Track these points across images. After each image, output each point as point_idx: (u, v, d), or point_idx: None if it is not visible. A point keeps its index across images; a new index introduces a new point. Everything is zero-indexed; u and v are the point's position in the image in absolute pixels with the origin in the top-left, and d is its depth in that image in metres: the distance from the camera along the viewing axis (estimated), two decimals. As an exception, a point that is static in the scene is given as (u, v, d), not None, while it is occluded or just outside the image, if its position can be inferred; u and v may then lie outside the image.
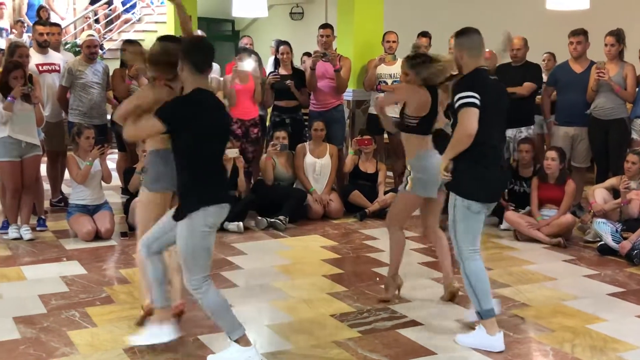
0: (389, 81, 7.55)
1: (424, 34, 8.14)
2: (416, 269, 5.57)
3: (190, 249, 3.61)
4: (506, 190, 6.94)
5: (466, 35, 4.19)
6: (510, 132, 7.23)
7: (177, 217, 3.66)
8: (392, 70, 7.57)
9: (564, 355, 3.99)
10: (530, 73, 7.24)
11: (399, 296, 4.85)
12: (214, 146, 3.72)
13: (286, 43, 7.93)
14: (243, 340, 3.70)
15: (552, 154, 6.47)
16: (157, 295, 3.94)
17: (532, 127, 7.37)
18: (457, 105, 3.95)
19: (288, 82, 7.57)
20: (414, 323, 4.40)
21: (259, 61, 7.88)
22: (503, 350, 3.98)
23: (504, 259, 5.88)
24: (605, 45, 6.86)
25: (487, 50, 8.32)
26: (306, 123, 7.88)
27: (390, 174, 8.21)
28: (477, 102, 3.90)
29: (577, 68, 7.09)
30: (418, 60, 4.66)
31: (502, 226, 6.74)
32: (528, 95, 7.19)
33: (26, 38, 11.84)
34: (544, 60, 8.77)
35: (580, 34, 7.01)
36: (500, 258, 5.91)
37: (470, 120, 3.90)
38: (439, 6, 11.97)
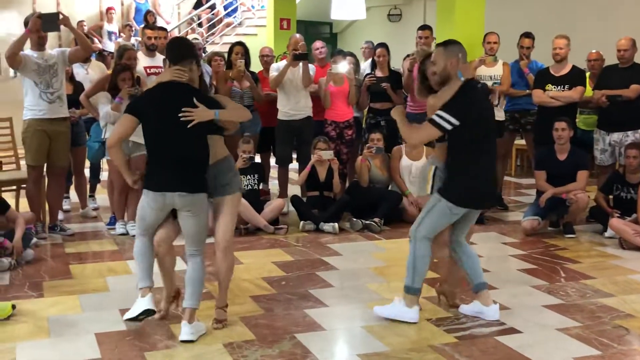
0: (489, 83, 7.41)
1: (527, 35, 7.95)
2: (515, 276, 5.44)
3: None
4: (611, 197, 6.72)
5: (454, 44, 4.45)
6: (616, 137, 7.02)
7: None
8: (493, 72, 7.44)
9: (672, 370, 3.81)
10: (637, 75, 6.96)
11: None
12: None
13: (383, 45, 7.91)
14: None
15: (661, 158, 6.20)
16: None
17: (639, 130, 7.08)
18: (432, 116, 4.22)
19: (384, 84, 7.56)
20: (512, 330, 4.30)
21: (356, 64, 7.90)
22: (416, 322, 4.34)
23: (609, 268, 5.67)
24: None
25: (594, 51, 8.14)
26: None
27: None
28: (447, 127, 4.14)
29: (689, 70, 6.77)
30: None
31: (607, 234, 6.51)
32: (635, 98, 6.93)
33: (134, 41, 12.31)
34: (652, 62, 8.43)
35: (692, 34, 6.70)
36: (605, 267, 5.70)
37: (422, 136, 4.36)
38: (542, 6, 11.67)
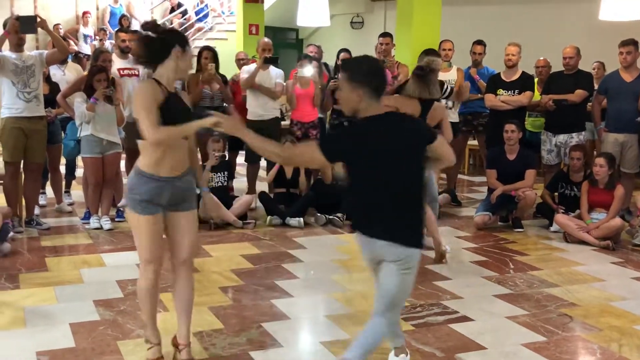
0: (444, 87, 7.45)
1: (479, 42, 8.03)
2: (468, 267, 5.49)
3: None
4: (557, 194, 6.82)
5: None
6: (562, 138, 7.14)
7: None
8: (448, 77, 7.48)
9: (611, 354, 3.87)
10: (581, 81, 7.10)
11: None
12: None
13: (346, 50, 7.93)
14: None
15: (600, 160, 6.31)
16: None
17: (583, 133, 7.22)
18: None
19: (348, 87, 7.56)
20: (465, 319, 4.34)
21: (320, 68, 7.89)
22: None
23: (554, 260, 5.75)
24: (621, 53, 6.83)
25: (542, 58, 8.25)
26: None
27: (443, 175, 8.13)
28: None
29: (627, 77, 6.91)
30: (428, 76, 5.03)
31: (552, 228, 6.61)
32: (580, 103, 7.05)
33: (108, 44, 12.14)
34: (593, 69, 8.60)
35: (630, 44, 6.86)
36: (550, 259, 5.78)
37: None
38: (494, 16, 11.82)
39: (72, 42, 12.92)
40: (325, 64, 9.55)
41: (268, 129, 7.35)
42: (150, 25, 3.42)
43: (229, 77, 7.69)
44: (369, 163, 3.02)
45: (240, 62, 7.93)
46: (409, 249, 3.05)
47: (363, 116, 3.07)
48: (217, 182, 6.73)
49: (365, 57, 3.22)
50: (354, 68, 3.09)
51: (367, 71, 3.06)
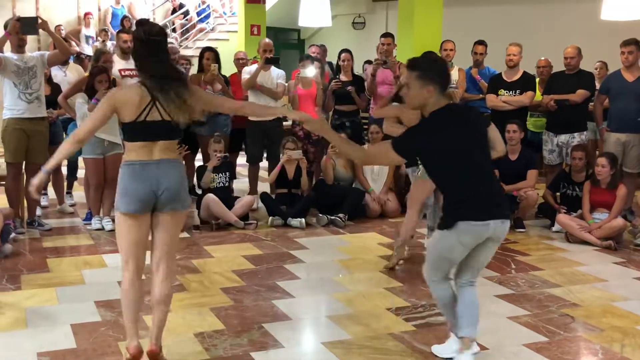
0: (446, 87, 7.44)
1: (480, 42, 8.01)
2: (469, 267, 5.48)
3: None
4: (558, 194, 6.81)
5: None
6: (563, 138, 7.12)
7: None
8: (449, 77, 7.47)
9: (613, 355, 3.86)
10: (583, 81, 7.08)
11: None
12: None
13: (347, 51, 7.92)
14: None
15: (602, 160, 6.29)
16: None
17: (585, 133, 7.20)
18: None
19: (349, 87, 7.56)
20: (466, 319, 4.32)
21: (322, 68, 7.89)
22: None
23: (556, 260, 5.74)
24: (622, 53, 6.82)
25: (543, 58, 8.24)
26: (365, 126, 7.86)
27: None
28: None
29: (629, 77, 6.89)
30: None
31: (554, 228, 6.60)
32: (581, 103, 7.04)
33: (110, 45, 12.15)
34: (596, 69, 8.58)
35: (631, 44, 6.84)
36: (552, 259, 5.77)
37: None
38: (495, 16, 11.80)
39: (73, 43, 12.93)
40: (330, 63, 9.56)
41: (269, 129, 7.37)
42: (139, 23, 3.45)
43: (230, 78, 7.72)
44: (452, 153, 3.30)
45: (240, 61, 7.91)
46: (508, 222, 3.43)
47: (430, 110, 3.36)
48: (219, 183, 6.72)
49: (433, 56, 3.64)
50: (426, 66, 3.38)
51: (438, 69, 3.39)
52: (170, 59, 3.49)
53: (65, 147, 3.34)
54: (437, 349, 3.80)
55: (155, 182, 3.30)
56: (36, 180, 3.35)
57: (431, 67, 3.39)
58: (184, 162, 3.58)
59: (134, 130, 3.32)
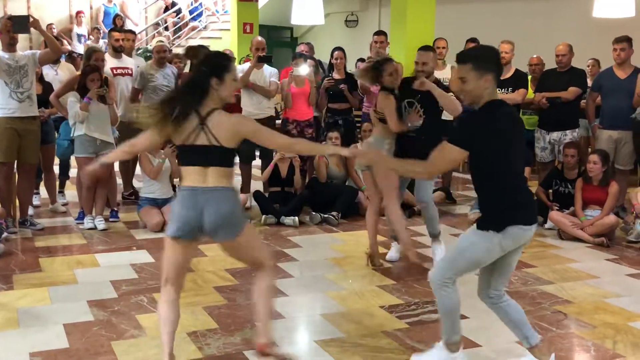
0: (438, 85, 7.45)
1: (473, 40, 8.03)
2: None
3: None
4: (551, 191, 6.82)
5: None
6: (555, 135, 7.13)
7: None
8: (442, 75, 7.48)
9: (605, 351, 3.87)
10: (575, 78, 7.10)
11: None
12: None
13: (340, 49, 7.92)
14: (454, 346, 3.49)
15: (594, 157, 6.31)
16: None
17: (577, 130, 7.22)
18: None
19: (342, 85, 7.56)
20: (460, 316, 4.32)
21: (315, 66, 7.89)
22: None
23: (548, 257, 5.76)
24: (614, 50, 6.85)
25: (535, 56, 8.26)
26: (358, 124, 7.86)
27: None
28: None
29: (621, 74, 6.92)
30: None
31: (547, 225, 6.61)
32: (573, 100, 7.06)
33: (102, 44, 12.12)
34: (588, 66, 8.61)
35: (623, 41, 6.87)
36: (545, 256, 5.79)
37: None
38: (488, 14, 11.82)
39: (65, 42, 12.89)
40: (320, 62, 9.54)
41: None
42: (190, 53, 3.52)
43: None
44: (508, 149, 3.15)
45: None
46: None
47: (486, 101, 3.18)
48: (212, 182, 6.70)
49: (486, 46, 3.51)
50: (482, 57, 3.23)
51: (493, 58, 3.27)
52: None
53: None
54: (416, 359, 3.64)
55: (200, 210, 3.20)
56: (90, 168, 3.63)
57: (489, 56, 3.26)
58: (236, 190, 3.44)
59: (182, 154, 3.31)
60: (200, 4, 15.41)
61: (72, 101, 6.22)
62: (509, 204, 3.22)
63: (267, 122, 7.38)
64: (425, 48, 5.44)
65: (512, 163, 3.22)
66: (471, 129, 3.20)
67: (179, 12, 15.18)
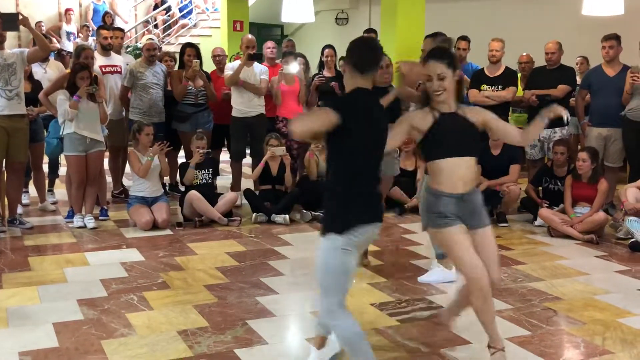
0: (429, 83, 7.46)
1: (463, 38, 8.04)
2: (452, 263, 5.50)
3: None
4: (541, 189, 6.85)
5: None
6: (545, 133, 7.15)
7: None
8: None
9: (595, 348, 3.89)
10: (564, 76, 7.12)
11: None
12: None
13: (331, 46, 7.91)
14: None
15: (583, 155, 6.34)
16: None
17: (566, 127, 7.23)
18: None
19: (332, 83, 7.55)
20: (450, 313, 4.34)
21: (305, 64, 7.88)
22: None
23: (538, 254, 5.78)
24: (603, 47, 6.88)
25: (524, 54, 8.28)
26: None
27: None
28: None
29: (610, 72, 6.95)
30: None
31: (537, 222, 6.64)
32: (562, 97, 7.07)
33: (91, 41, 12.06)
34: (577, 64, 8.63)
35: (612, 39, 6.90)
36: (535, 253, 5.81)
37: None
38: (477, 12, 11.84)
39: (54, 40, 12.81)
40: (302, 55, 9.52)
41: (253, 125, 7.35)
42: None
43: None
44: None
45: (216, 58, 7.89)
46: None
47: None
48: (202, 180, 6.69)
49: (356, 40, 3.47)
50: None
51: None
52: None
53: None
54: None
55: None
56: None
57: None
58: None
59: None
60: (190, 2, 15.35)
61: (61, 99, 6.19)
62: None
63: (258, 119, 7.39)
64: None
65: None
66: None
67: (168, 9, 15.11)
